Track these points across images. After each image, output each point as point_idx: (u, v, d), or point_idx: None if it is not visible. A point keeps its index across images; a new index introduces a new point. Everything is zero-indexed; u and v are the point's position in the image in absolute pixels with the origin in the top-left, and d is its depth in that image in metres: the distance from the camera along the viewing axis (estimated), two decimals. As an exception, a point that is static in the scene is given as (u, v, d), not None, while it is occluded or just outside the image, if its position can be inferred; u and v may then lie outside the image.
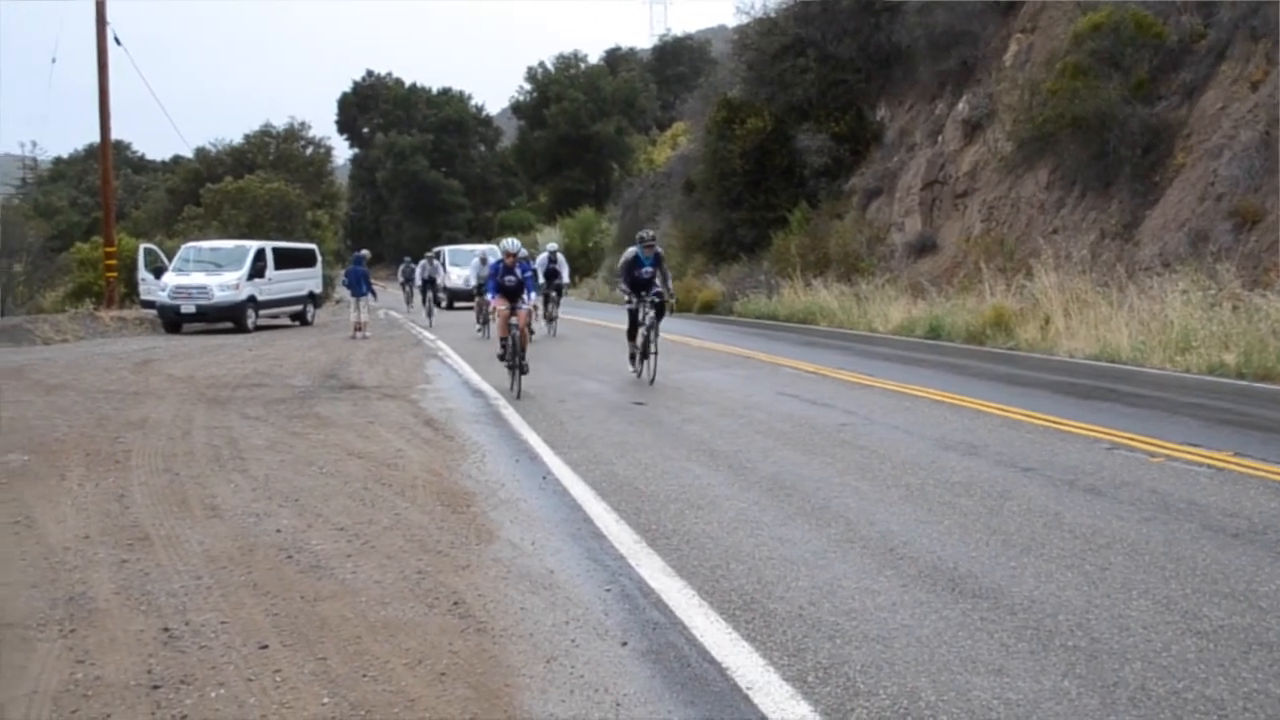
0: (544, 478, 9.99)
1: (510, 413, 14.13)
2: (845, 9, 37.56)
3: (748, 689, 5.03)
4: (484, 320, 28.79)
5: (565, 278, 31.13)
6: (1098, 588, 6.33)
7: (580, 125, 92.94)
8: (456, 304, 47.12)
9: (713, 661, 5.38)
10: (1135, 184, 23.51)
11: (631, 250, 17.32)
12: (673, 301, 17.82)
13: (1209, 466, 9.43)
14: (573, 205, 78.02)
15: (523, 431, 12.63)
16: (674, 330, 24.28)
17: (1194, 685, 4.90)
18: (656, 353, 17.08)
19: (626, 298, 17.32)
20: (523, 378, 16.23)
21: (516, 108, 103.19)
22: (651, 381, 16.72)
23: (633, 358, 17.52)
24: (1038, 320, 21.86)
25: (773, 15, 40.53)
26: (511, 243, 17.60)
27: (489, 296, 19.68)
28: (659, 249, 17.41)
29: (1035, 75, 27.70)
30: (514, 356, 16.34)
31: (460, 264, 47.79)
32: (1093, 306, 20.66)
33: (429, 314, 36.73)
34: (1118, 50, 24.36)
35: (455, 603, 6.34)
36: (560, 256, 30.29)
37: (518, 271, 17.16)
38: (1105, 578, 6.51)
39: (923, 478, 9.42)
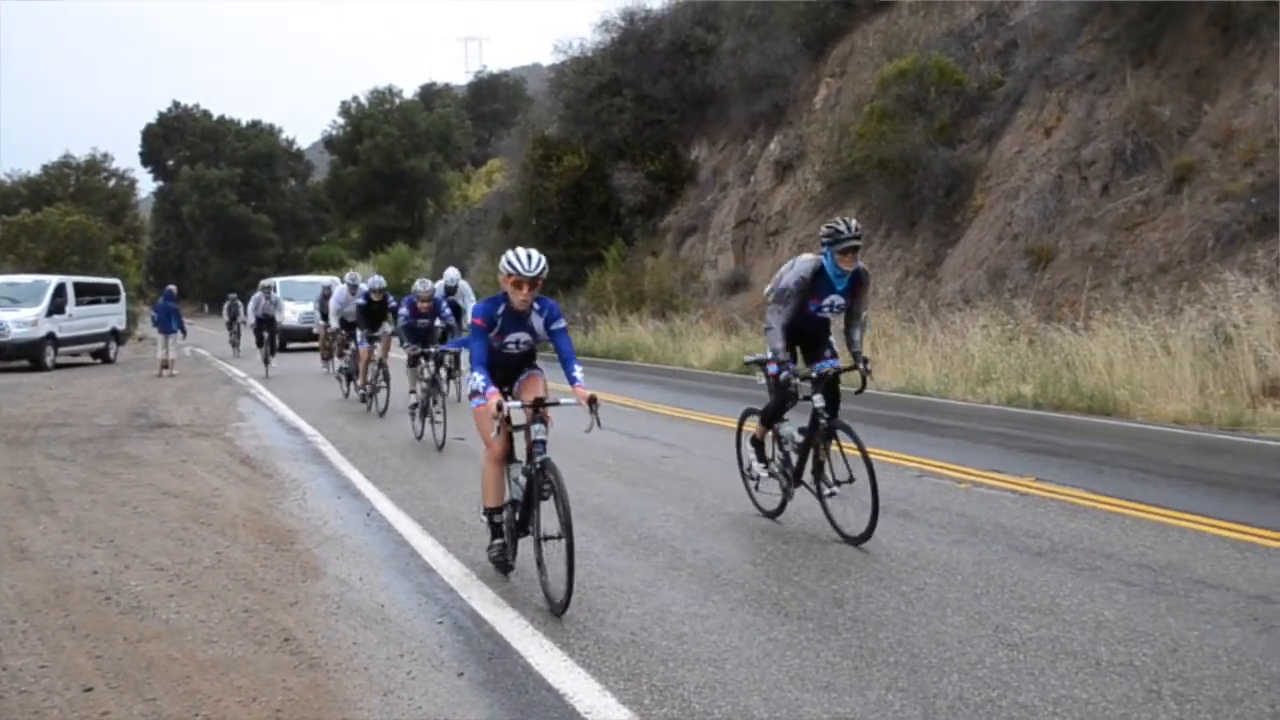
0: (368, 513, 9.91)
1: (330, 449, 13.95)
2: (660, 50, 38.23)
3: (586, 714, 5.10)
4: (346, 373, 21.62)
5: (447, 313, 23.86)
6: (914, 606, 6.60)
7: (394, 161, 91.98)
8: (289, 344, 39.59)
9: (550, 689, 5.43)
10: (938, 224, 24.46)
11: (808, 261, 8.72)
12: (867, 371, 8.90)
13: (1013, 491, 9.88)
14: (386, 241, 77.09)
15: (343, 468, 12.48)
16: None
17: (1007, 694, 5.16)
18: (834, 491, 8.56)
19: (771, 354, 8.74)
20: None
21: (329, 142, 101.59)
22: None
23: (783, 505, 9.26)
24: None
25: (589, 55, 40.95)
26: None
27: (360, 344, 19.02)
28: (862, 263, 8.72)
29: (844, 118, 28.69)
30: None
31: (296, 298, 41.27)
32: (899, 341, 21.38)
33: (266, 359, 28.97)
34: (922, 96, 25.40)
35: (286, 639, 6.26)
36: (464, 284, 21.45)
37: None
38: (921, 597, 6.79)
39: (743, 506, 9.64)
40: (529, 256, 7.26)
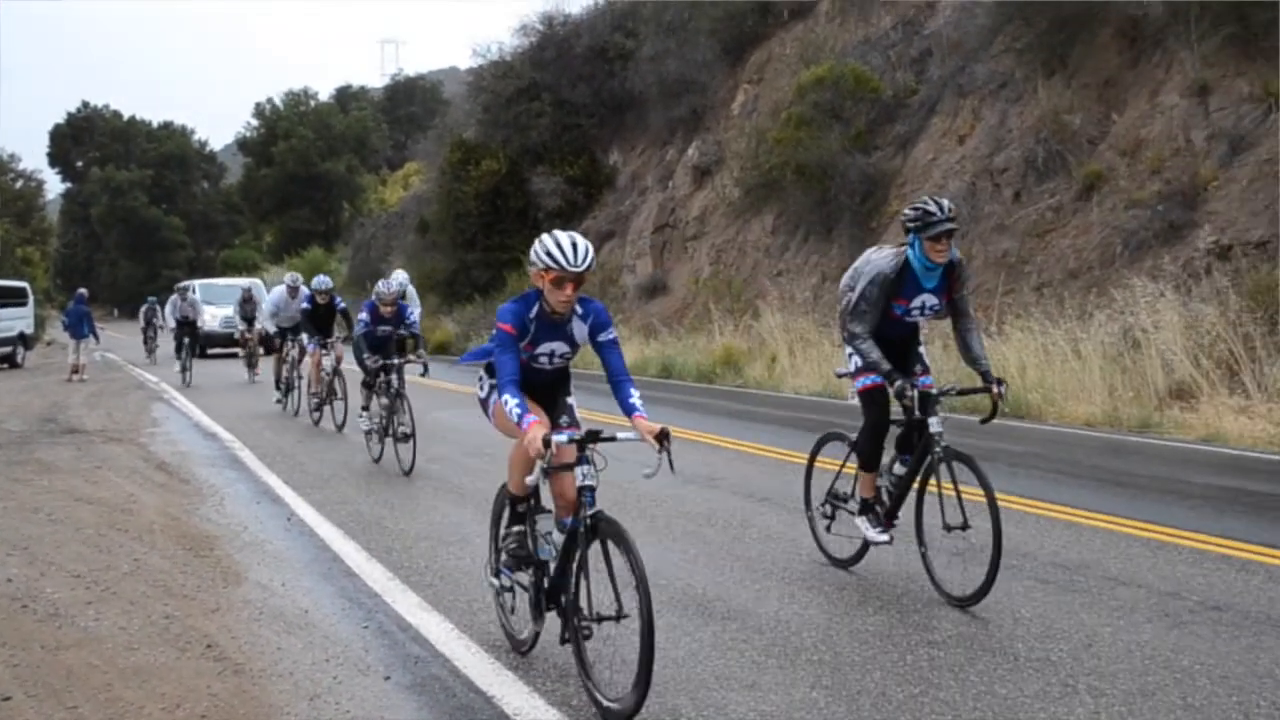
0: (288, 519, 9.84)
1: (248, 455, 13.80)
2: (579, 55, 38.26)
3: (515, 715, 5.14)
4: (284, 384, 19.43)
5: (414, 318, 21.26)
6: (837, 606, 6.71)
7: (309, 163, 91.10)
8: (209, 350, 37.44)
9: (478, 691, 5.45)
10: (854, 229, 24.73)
11: (888, 256, 7.20)
12: (1000, 395, 7.16)
13: (930, 493, 10.00)
14: (301, 245, 76.23)
15: (261, 473, 12.38)
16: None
17: (929, 690, 5.26)
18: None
19: (866, 364, 7.24)
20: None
21: (243, 144, 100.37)
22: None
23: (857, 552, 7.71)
24: (765, 359, 22.70)
25: (508, 59, 40.85)
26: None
27: (309, 346, 16.78)
28: (957, 252, 7.15)
29: (761, 124, 28.89)
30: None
31: (216, 301, 38.22)
32: (816, 345, 21.59)
33: (185, 368, 26.05)
34: (838, 103, 25.67)
35: (208, 645, 6.21)
36: (411, 289, 19.49)
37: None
38: (843, 597, 6.90)
39: (667, 510, 9.71)
40: (574, 245, 5.57)
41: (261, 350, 25.93)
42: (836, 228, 25.44)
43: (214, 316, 37.58)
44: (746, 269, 28.53)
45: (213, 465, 13.16)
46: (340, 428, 15.99)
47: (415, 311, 15.95)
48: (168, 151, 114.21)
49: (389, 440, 12.87)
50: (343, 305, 16.96)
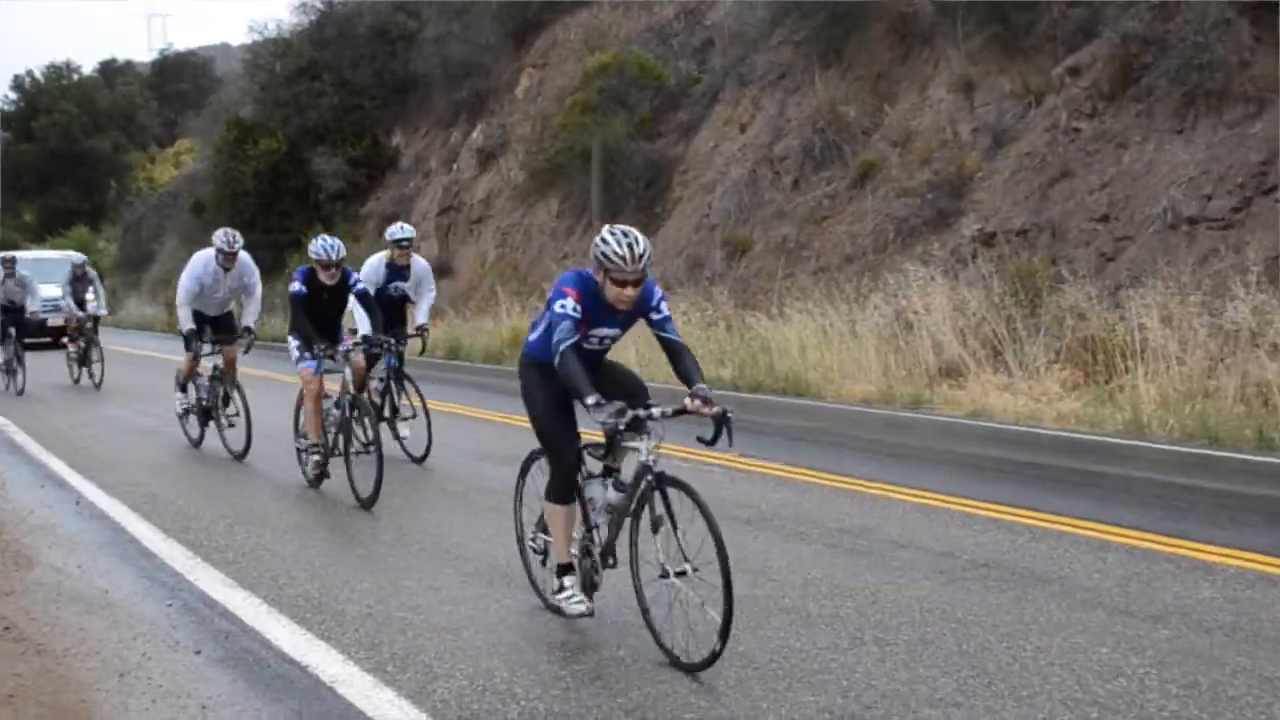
0: (77, 502, 9.59)
1: (25, 438, 13.32)
2: (361, 35, 37.74)
3: (331, 683, 5.23)
4: (196, 407, 12.57)
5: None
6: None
7: (73, 140, 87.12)
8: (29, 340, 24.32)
9: (292, 661, 5.52)
10: (639, 215, 25.15)
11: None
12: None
13: (721, 467, 10.39)
14: (64, 224, 73.18)
15: (43, 457, 11.98)
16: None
17: (728, 646, 5.51)
18: None
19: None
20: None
21: (1, 118, 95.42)
22: None
23: None
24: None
25: (287, 37, 40.04)
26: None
27: (307, 365, 10.03)
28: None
29: (547, 109, 29.12)
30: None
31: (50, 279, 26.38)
32: (604, 328, 21.89)
33: (10, 370, 19.34)
34: (623, 89, 26.10)
35: (6, 628, 6.06)
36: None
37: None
38: (642, 563, 7.15)
39: (465, 486, 9.85)
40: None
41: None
42: (621, 213, 25.78)
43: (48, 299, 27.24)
44: (533, 252, 28.72)
45: (-14, 451, 12.67)
46: (366, 502, 9.11)
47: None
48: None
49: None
50: (361, 285, 10.62)
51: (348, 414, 9.55)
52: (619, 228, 5.54)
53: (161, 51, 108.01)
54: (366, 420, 9.52)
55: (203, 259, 12.23)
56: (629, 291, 5.49)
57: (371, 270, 11.50)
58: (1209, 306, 13.28)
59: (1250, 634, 5.67)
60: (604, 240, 5.47)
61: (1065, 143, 17.30)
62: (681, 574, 5.41)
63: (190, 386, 12.55)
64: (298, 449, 10.29)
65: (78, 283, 20.95)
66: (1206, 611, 6.02)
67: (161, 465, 11.38)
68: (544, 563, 6.31)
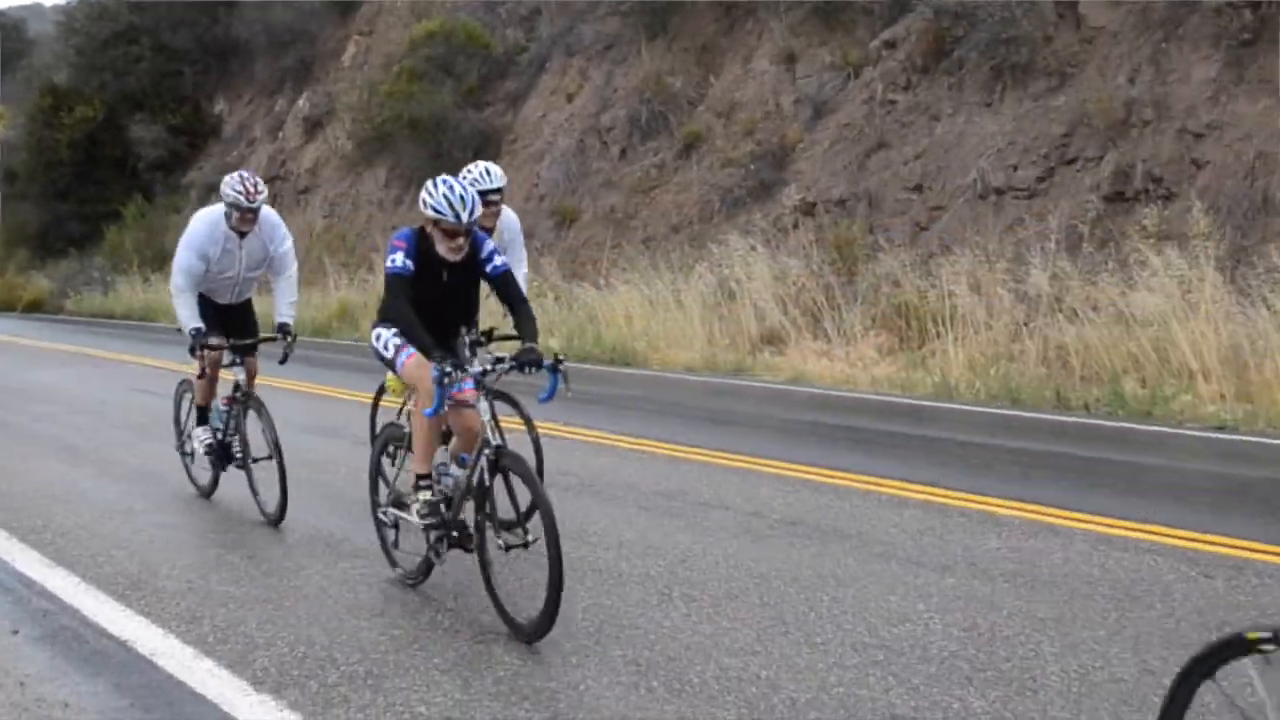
0: (-128, 485, 9.25)
1: None
2: (181, -1, 36.81)
3: (151, 655, 5.21)
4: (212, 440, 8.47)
5: None
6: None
7: None
8: None
9: (111, 637, 5.47)
10: (468, 184, 25.12)
11: None
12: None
13: (545, 436, 10.50)
14: None
15: None
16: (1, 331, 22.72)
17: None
18: None
19: None
20: None
21: None
22: None
23: None
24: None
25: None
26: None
27: (400, 358, 6.14)
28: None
29: (373, 77, 28.79)
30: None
31: None
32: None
33: None
34: (450, 58, 25.94)
35: None
36: None
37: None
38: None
39: (289, 458, 9.73)
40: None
41: None
42: (450, 182, 25.75)
43: None
44: (360, 222, 28.40)
45: None
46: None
47: None
48: None
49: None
50: (494, 249, 6.35)
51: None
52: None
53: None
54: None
55: (207, 222, 8.20)
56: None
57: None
58: (1014, 274, 13.89)
59: (1029, 580, 6.03)
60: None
61: (882, 114, 17.83)
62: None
63: (210, 415, 8.53)
64: (380, 520, 6.52)
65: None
66: (991, 561, 6.38)
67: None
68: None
